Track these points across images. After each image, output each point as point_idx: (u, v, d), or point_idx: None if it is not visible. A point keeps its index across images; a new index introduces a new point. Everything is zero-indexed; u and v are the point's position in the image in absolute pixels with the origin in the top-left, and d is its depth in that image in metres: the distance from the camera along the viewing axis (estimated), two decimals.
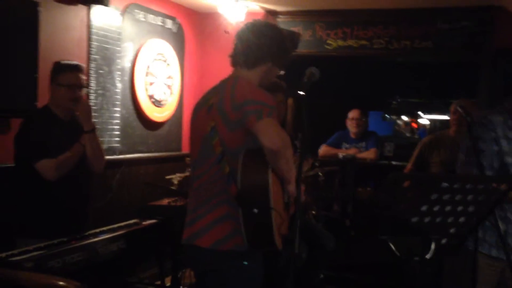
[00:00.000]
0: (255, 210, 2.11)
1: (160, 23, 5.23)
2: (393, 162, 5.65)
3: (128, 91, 4.81)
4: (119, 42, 4.65)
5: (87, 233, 2.86)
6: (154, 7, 5.14)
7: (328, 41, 5.70)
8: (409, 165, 4.34)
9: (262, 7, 5.63)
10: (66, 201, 2.96)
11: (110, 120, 4.60)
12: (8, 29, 3.50)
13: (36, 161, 2.86)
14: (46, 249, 2.52)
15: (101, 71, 4.46)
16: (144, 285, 4.11)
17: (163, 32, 5.28)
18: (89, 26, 4.32)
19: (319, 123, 5.99)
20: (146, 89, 4.99)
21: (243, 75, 2.39)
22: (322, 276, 4.01)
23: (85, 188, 3.14)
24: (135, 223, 3.21)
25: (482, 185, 1.84)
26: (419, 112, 14.63)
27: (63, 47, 4.08)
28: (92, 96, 4.36)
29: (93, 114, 4.30)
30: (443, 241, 1.94)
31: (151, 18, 5.09)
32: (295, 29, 5.75)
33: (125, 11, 4.73)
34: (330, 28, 5.69)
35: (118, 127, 4.69)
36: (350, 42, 5.64)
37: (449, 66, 7.74)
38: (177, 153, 5.47)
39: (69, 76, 2.99)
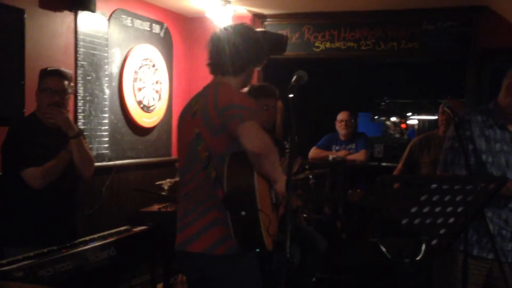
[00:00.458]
0: (243, 213, 2.13)
1: (148, 28, 5.22)
2: (383, 164, 5.67)
3: (116, 97, 4.79)
4: (106, 48, 4.63)
5: (77, 241, 2.84)
6: (141, 12, 5.13)
7: (316, 44, 5.72)
8: (399, 166, 4.36)
9: (250, 11, 5.64)
10: (55, 209, 2.93)
11: (99, 127, 4.57)
12: None
13: (22, 170, 2.83)
14: (35, 258, 2.50)
15: (88, 78, 4.44)
16: None
17: (151, 37, 5.26)
18: (75, 33, 4.30)
19: (308, 126, 6.01)
20: (135, 95, 4.98)
21: (226, 81, 2.39)
22: (314, 279, 4.01)
23: (74, 196, 3.10)
24: (125, 230, 3.19)
25: (470, 186, 1.85)
26: (408, 113, 14.73)
27: (49, 54, 4.06)
28: (80, 103, 4.34)
29: (81, 120, 4.33)
30: (434, 242, 1.94)
31: (138, 23, 5.08)
32: (282, 32, 5.76)
33: (112, 16, 4.71)
34: (317, 30, 5.71)
35: (106, 133, 4.67)
36: (338, 44, 5.66)
37: (437, 66, 7.81)
38: (167, 158, 5.45)
39: (50, 81, 2.94)
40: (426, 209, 1.83)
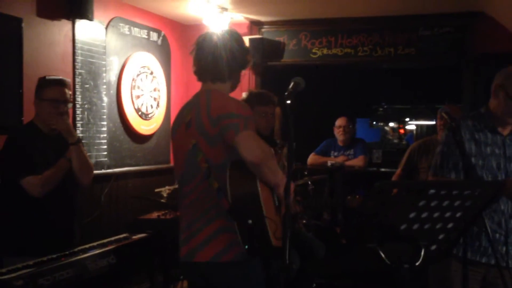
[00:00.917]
0: (250, 221, 2.14)
1: (145, 36, 5.24)
2: (382, 169, 5.67)
3: (114, 105, 4.80)
4: (104, 56, 4.64)
5: (76, 249, 2.83)
6: (138, 20, 5.15)
7: (313, 50, 5.74)
8: (398, 171, 4.36)
9: (247, 18, 5.66)
10: (54, 217, 2.93)
11: (97, 135, 4.58)
12: None
13: (22, 178, 2.83)
14: (35, 266, 2.50)
15: (86, 86, 4.45)
16: None
17: (148, 45, 5.28)
18: (73, 41, 4.31)
19: (306, 132, 6.02)
20: (133, 102, 4.98)
21: (216, 88, 2.40)
22: (314, 285, 4.01)
23: (72, 203, 3.10)
24: (125, 238, 3.18)
25: (468, 191, 1.86)
26: (406, 119, 14.76)
27: (47, 62, 4.07)
28: (78, 111, 4.34)
29: (80, 128, 4.33)
30: (433, 247, 1.95)
31: (136, 31, 5.09)
32: (279, 39, 5.78)
33: (109, 24, 4.73)
34: (314, 37, 5.73)
35: (105, 141, 4.67)
36: (335, 51, 5.68)
37: (434, 71, 7.83)
38: (166, 165, 5.45)
39: (53, 91, 2.96)
40: (424, 215, 1.83)
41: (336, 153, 5.50)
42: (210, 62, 2.41)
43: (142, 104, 5.11)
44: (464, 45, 5.25)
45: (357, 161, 5.35)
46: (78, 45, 4.35)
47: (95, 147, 4.55)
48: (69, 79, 4.19)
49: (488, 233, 2.29)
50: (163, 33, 5.50)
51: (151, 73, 5.26)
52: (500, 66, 2.70)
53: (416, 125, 14.73)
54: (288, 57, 5.75)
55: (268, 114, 3.43)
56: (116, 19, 4.82)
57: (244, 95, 3.56)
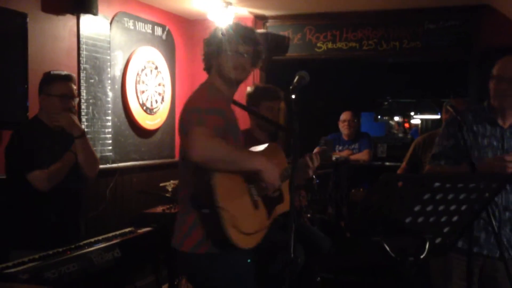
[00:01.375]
0: (206, 211, 2.18)
1: (150, 31, 5.24)
2: (387, 163, 5.67)
3: (119, 100, 4.80)
4: (109, 51, 4.65)
5: (82, 243, 2.85)
6: (143, 15, 5.14)
7: (318, 44, 5.72)
8: (403, 165, 4.35)
9: (251, 12, 5.65)
10: (60, 211, 2.95)
11: (102, 129, 4.59)
12: None
13: (28, 172, 2.84)
14: (41, 260, 2.51)
15: (91, 80, 4.45)
16: None
17: (153, 40, 5.27)
18: (78, 36, 4.31)
19: (311, 126, 6.02)
20: (138, 97, 4.99)
21: (209, 80, 2.45)
22: (319, 279, 4.01)
23: (78, 198, 3.12)
24: (130, 232, 3.20)
25: (473, 184, 1.85)
26: (411, 113, 14.69)
27: (52, 57, 4.07)
28: (83, 106, 4.35)
29: (85, 123, 4.34)
30: (438, 240, 1.95)
31: (140, 26, 5.09)
32: (284, 33, 5.77)
33: (114, 19, 4.72)
34: (319, 31, 5.71)
35: (110, 135, 4.68)
36: (340, 45, 5.66)
37: (439, 65, 7.80)
38: (170, 160, 5.46)
39: (61, 86, 2.97)
40: (429, 208, 1.83)
41: (340, 147, 5.49)
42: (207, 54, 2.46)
43: (146, 99, 5.11)
44: (470, 38, 5.22)
45: (362, 155, 5.35)
46: (82, 40, 4.35)
47: (100, 141, 4.56)
48: (74, 74, 4.20)
49: (493, 224, 2.28)
50: (167, 28, 5.50)
51: (156, 68, 5.26)
52: None
53: (421, 119, 14.66)
54: (292, 52, 5.74)
55: (275, 109, 3.42)
56: (121, 14, 4.81)
57: (249, 89, 3.54)
